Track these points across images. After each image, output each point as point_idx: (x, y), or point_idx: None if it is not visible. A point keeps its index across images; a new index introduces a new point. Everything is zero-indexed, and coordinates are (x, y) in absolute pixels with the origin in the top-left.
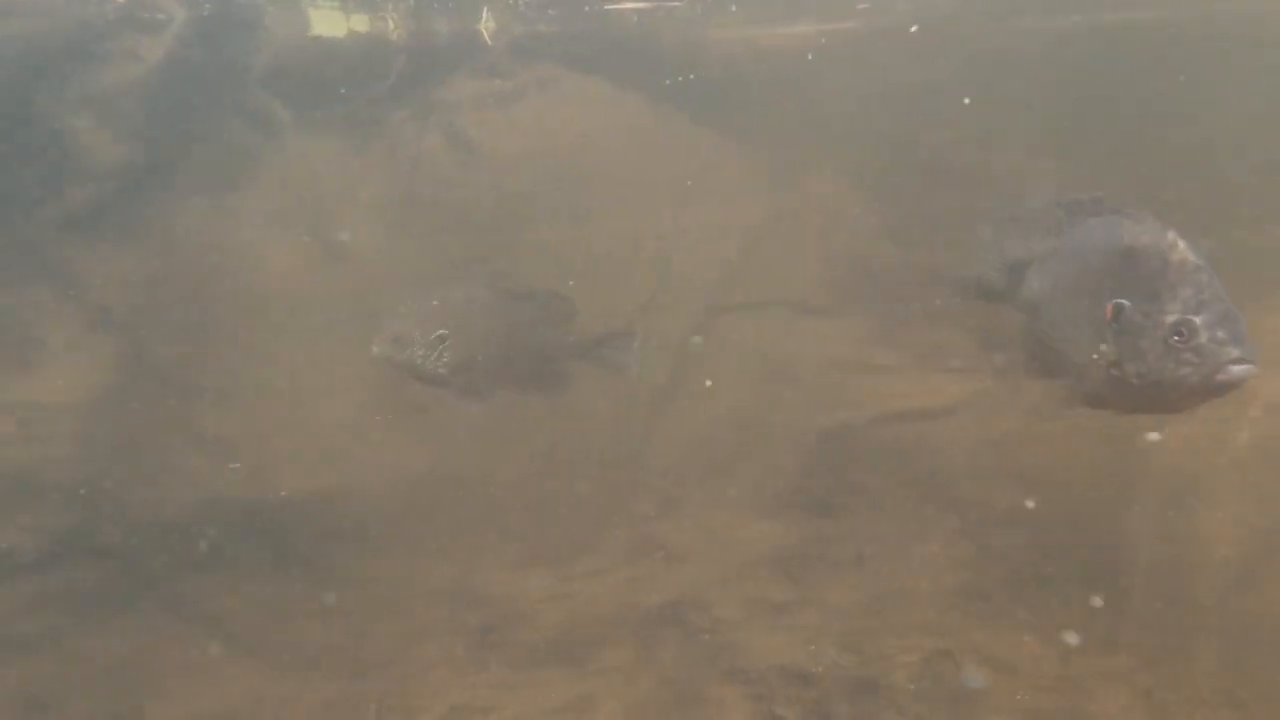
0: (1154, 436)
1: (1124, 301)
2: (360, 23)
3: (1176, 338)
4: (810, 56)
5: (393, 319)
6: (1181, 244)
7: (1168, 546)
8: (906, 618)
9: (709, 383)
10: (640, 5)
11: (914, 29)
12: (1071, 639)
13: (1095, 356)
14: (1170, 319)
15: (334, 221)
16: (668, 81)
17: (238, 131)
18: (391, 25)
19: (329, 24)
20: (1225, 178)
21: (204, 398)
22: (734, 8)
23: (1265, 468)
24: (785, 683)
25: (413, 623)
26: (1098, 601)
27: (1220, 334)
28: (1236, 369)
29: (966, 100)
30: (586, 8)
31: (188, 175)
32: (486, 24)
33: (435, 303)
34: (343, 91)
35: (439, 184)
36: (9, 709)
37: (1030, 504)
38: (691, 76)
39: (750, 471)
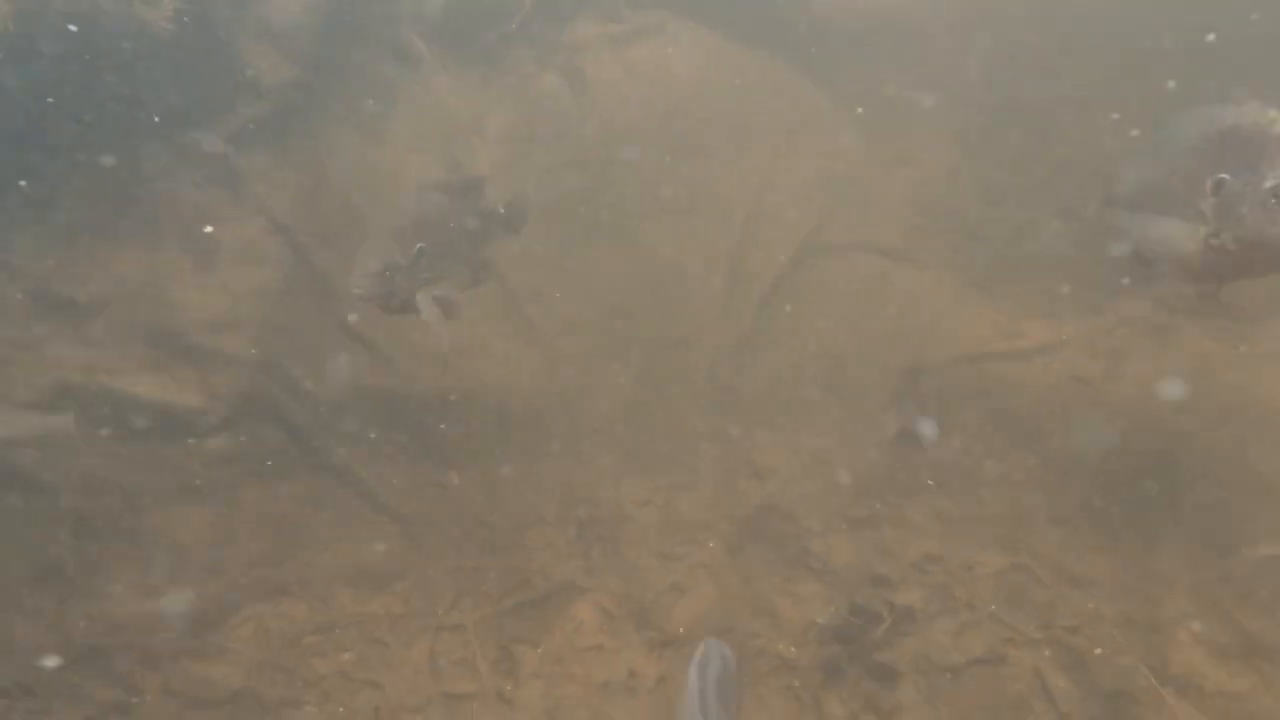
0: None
1: (1225, 175)
2: None
3: (1275, 200)
4: (922, 17)
5: (366, 255)
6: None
7: (1234, 479)
8: (983, 536)
9: (800, 317)
10: None
11: None
12: (1147, 557)
13: (1196, 230)
14: (1269, 184)
15: (462, 148)
16: (777, 33)
17: (385, 63)
18: None
19: None
20: None
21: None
22: None
23: None
24: (864, 582)
25: (525, 513)
26: (1163, 526)
27: None
28: None
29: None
30: None
31: (341, 100)
32: None
33: (402, 224)
34: (475, 31)
35: (557, 118)
36: (195, 544)
37: (1111, 439)
38: (801, 30)
39: (836, 402)
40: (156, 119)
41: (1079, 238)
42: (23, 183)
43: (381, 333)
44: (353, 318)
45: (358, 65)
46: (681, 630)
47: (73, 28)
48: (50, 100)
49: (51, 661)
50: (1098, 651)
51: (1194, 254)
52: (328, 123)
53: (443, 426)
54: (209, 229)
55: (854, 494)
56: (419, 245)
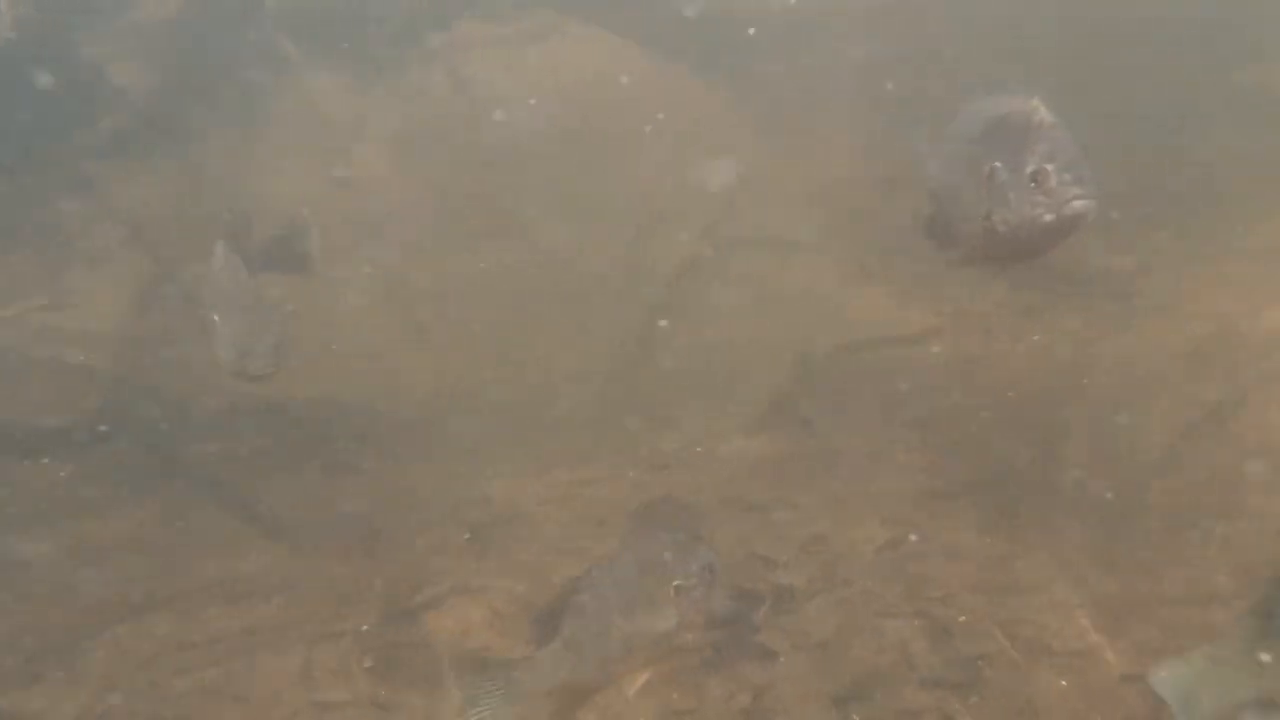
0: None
1: (997, 162)
2: None
3: (1034, 184)
4: (817, 16)
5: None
6: (1042, 109)
7: (1104, 445)
8: (867, 514)
9: (698, 311)
10: None
11: None
12: (1017, 528)
13: (977, 215)
14: (1029, 169)
15: (340, 154)
16: (674, 33)
17: (253, 67)
18: None
19: None
20: None
21: None
22: None
23: (1191, 371)
24: (752, 566)
25: (418, 517)
26: (1036, 495)
27: (1066, 177)
28: (1078, 203)
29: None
30: None
31: (208, 107)
32: None
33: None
34: (350, 32)
35: (441, 122)
36: (60, 561)
37: (989, 415)
38: (696, 32)
39: (738, 392)
40: (12, 132)
41: None
42: None
43: None
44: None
45: (224, 69)
46: None
47: None
48: None
49: None
50: (962, 619)
51: (978, 237)
52: (193, 130)
53: (328, 435)
54: (69, 241)
55: (749, 481)
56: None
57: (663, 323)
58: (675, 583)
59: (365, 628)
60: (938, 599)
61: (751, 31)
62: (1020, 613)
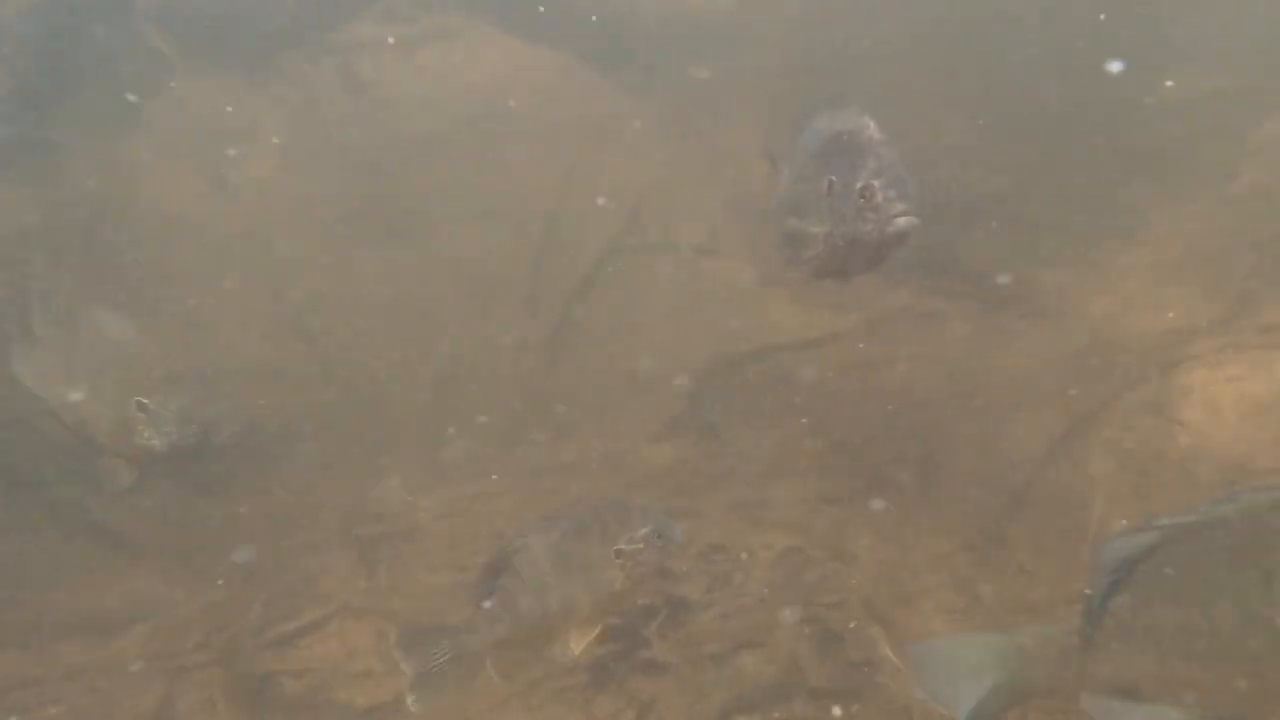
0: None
1: (833, 178)
2: None
3: (862, 200)
4: (737, 20)
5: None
6: (872, 126)
7: (988, 451)
8: (768, 521)
9: (606, 318)
10: None
11: None
12: (906, 533)
13: (818, 230)
14: (859, 184)
15: (224, 160)
16: (585, 36)
17: (125, 68)
18: None
19: None
20: None
21: None
22: None
23: (1067, 377)
24: (649, 578)
25: (305, 535)
26: (927, 500)
27: (892, 194)
28: (902, 220)
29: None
30: None
31: (76, 111)
32: None
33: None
34: (233, 30)
35: (335, 126)
36: None
37: (887, 421)
38: (610, 36)
39: (643, 400)
40: None
41: None
42: None
43: None
44: None
45: (94, 72)
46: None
47: None
48: None
49: None
50: (852, 625)
51: (822, 250)
52: (62, 136)
53: (203, 452)
54: None
55: (651, 489)
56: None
57: (567, 330)
58: (618, 546)
59: (235, 657)
60: (831, 605)
61: (667, 36)
62: (907, 618)
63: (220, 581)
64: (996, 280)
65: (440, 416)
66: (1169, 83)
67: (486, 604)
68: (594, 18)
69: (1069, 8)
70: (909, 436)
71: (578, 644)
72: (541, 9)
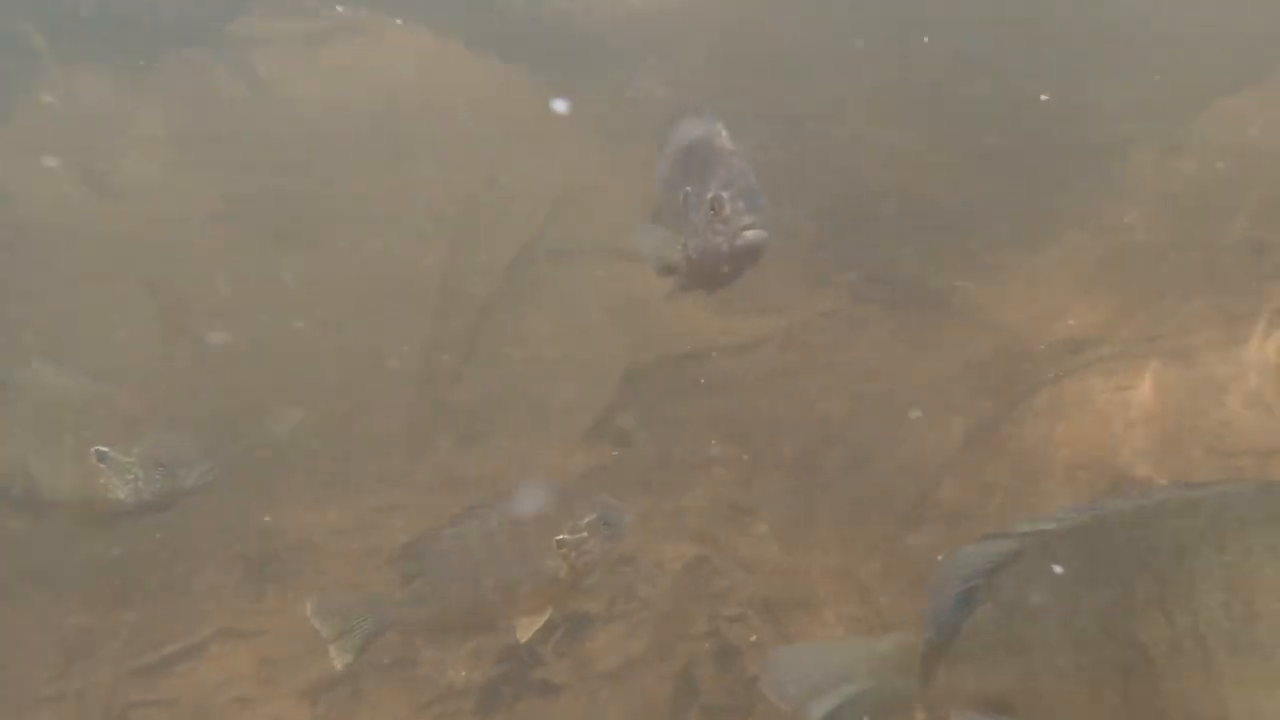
0: None
1: (688, 189)
2: None
3: (712, 212)
4: (671, 22)
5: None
6: (724, 134)
7: (897, 458)
8: (679, 531)
9: (520, 325)
10: None
11: None
12: (813, 541)
13: (679, 242)
14: (709, 195)
15: (104, 158)
16: (509, 35)
17: None
18: None
19: None
20: None
21: None
22: None
23: (977, 383)
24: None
25: (190, 556)
26: (835, 508)
27: (740, 205)
28: (750, 234)
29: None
30: None
31: None
32: None
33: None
34: (117, 23)
35: (229, 124)
36: None
37: (801, 428)
38: (536, 32)
39: (559, 408)
40: None
41: (803, 236)
42: None
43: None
44: None
45: None
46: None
47: None
48: None
49: None
50: (753, 639)
51: (681, 263)
52: None
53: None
54: None
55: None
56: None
57: (480, 337)
58: (560, 535)
59: (97, 686)
60: (733, 618)
61: (604, 37)
62: (809, 629)
63: (88, 606)
64: (915, 286)
65: (341, 428)
66: (1091, 95)
67: (414, 583)
68: (527, 17)
69: (1007, 15)
70: (822, 444)
71: (524, 633)
72: (466, 5)
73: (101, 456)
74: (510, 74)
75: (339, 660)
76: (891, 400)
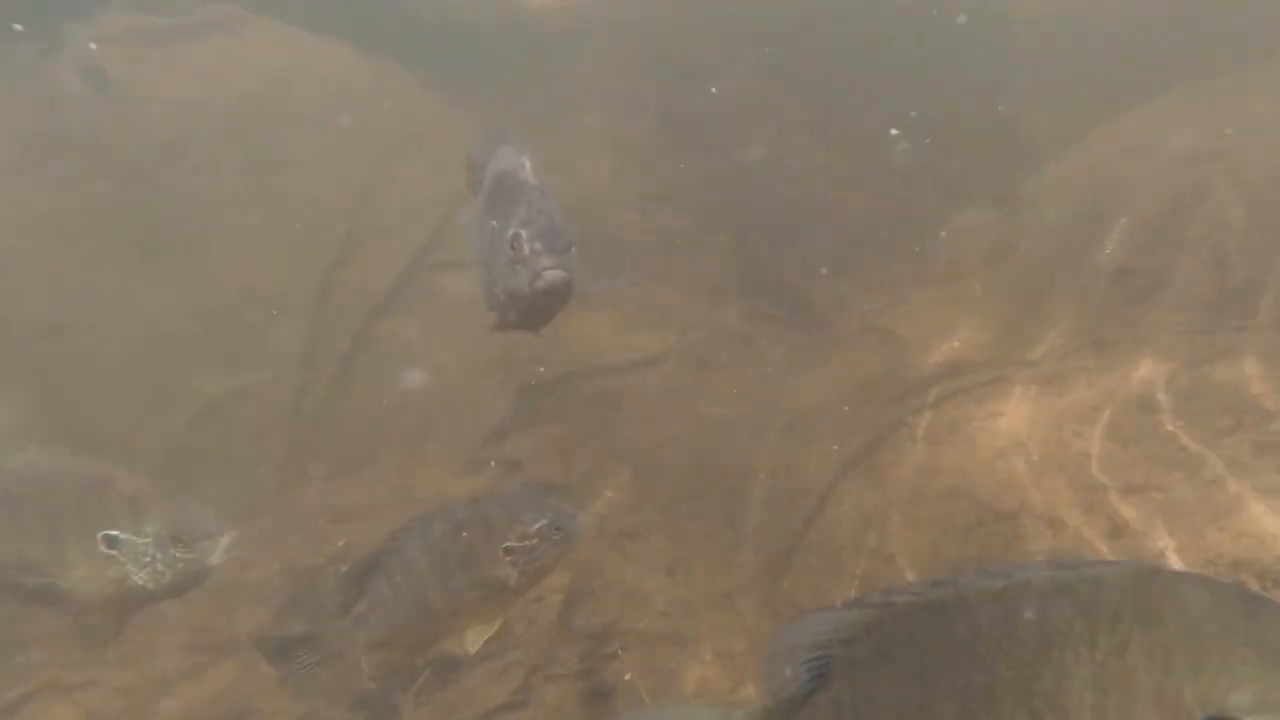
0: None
1: (494, 223)
2: None
3: (512, 251)
4: (575, 21)
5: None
6: (528, 166)
7: (781, 477)
8: (562, 562)
9: (404, 342)
10: None
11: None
12: (697, 570)
13: (488, 284)
14: (509, 234)
15: None
16: (397, 35)
17: None
18: None
19: None
20: None
21: None
22: None
23: (858, 406)
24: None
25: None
26: (720, 534)
27: (538, 245)
28: (548, 274)
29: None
30: None
31: None
32: None
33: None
34: None
35: (79, 126)
36: None
37: (693, 448)
38: (432, 33)
39: (448, 430)
40: None
41: (715, 248)
42: None
43: None
44: None
45: None
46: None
47: None
48: None
49: None
50: (627, 678)
51: (497, 301)
52: None
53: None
54: None
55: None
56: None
57: (360, 356)
58: (506, 544)
59: None
60: (609, 655)
61: (500, 38)
62: (684, 665)
63: None
64: (814, 304)
65: (199, 455)
66: (999, 110)
67: (358, 607)
68: (412, 16)
69: (910, 29)
70: (712, 468)
71: (474, 643)
72: (345, 3)
73: (111, 542)
74: (398, 75)
75: (294, 698)
76: (780, 422)
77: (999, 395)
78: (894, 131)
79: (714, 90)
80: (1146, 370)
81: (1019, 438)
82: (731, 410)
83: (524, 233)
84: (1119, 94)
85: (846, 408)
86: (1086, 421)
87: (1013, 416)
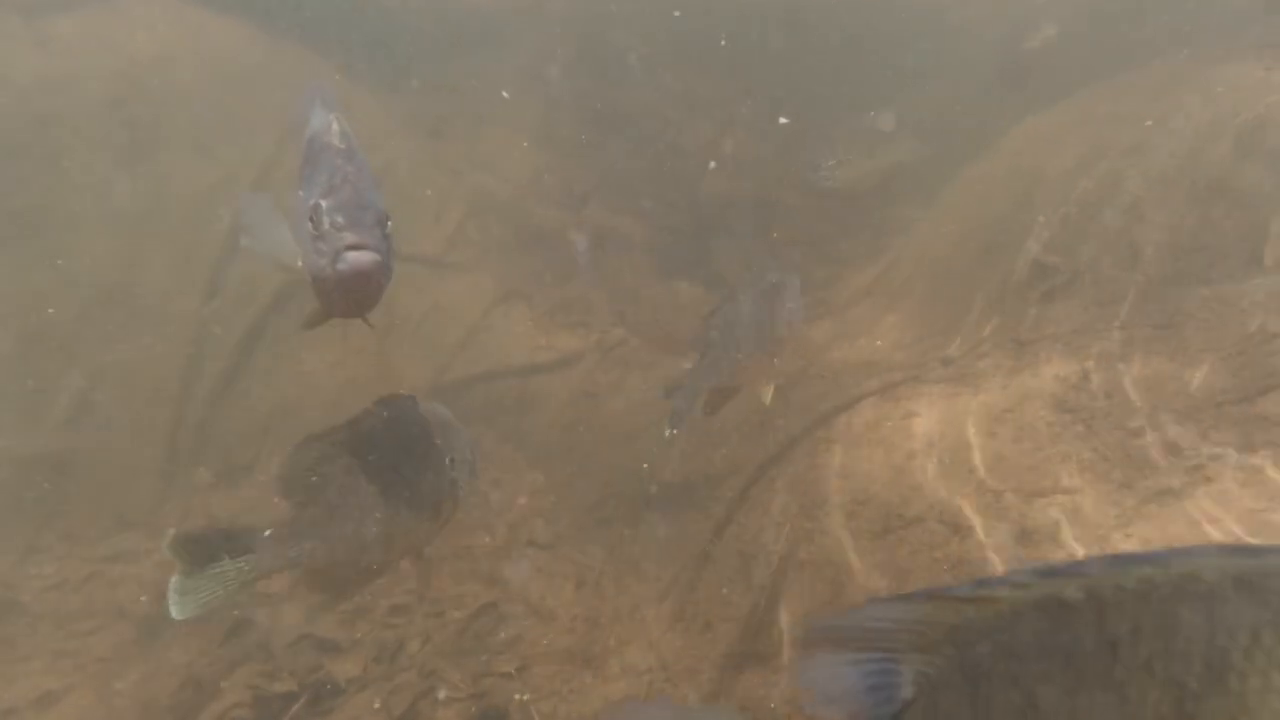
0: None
1: (300, 193)
2: None
3: (311, 226)
4: (511, 14)
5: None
6: (337, 126)
7: (694, 483)
8: (472, 572)
9: (306, 340)
10: None
11: None
12: (605, 582)
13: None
14: (310, 204)
15: None
16: (310, 22)
17: None
18: None
19: None
20: None
21: None
22: None
23: (776, 410)
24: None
25: None
26: (631, 544)
27: (340, 219)
28: (352, 255)
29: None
30: None
31: None
32: None
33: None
34: None
35: None
36: None
37: (608, 453)
38: (347, 20)
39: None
40: None
41: (644, 245)
42: None
43: None
44: None
45: None
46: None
47: None
48: None
49: None
50: (525, 698)
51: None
52: None
53: None
54: None
55: None
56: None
57: (253, 353)
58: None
59: None
60: (509, 674)
61: (432, 30)
62: (588, 684)
63: None
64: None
65: (66, 461)
66: (932, 113)
67: (266, 532)
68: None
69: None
70: (622, 473)
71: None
72: None
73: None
74: (299, 58)
75: (178, 611)
76: (695, 426)
77: (913, 395)
78: (783, 120)
79: (645, 83)
80: (1060, 369)
81: (931, 439)
82: (648, 413)
83: (324, 204)
84: (1038, 92)
85: (764, 409)
86: (999, 422)
87: (926, 417)
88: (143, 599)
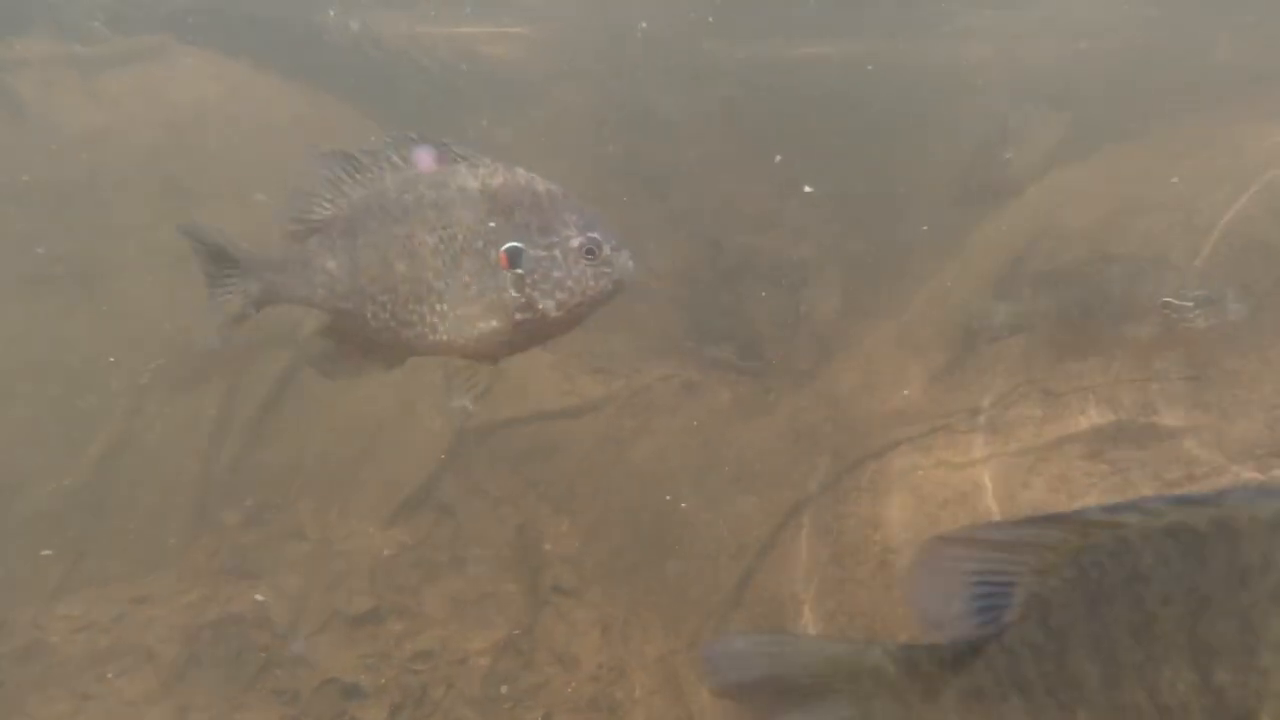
0: None
1: (518, 245)
2: None
3: (588, 256)
4: (529, 70)
5: None
6: (536, 178)
7: (720, 530)
8: (491, 618)
9: (322, 391)
10: None
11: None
12: (632, 630)
13: (502, 310)
14: (575, 243)
15: None
16: (341, 73)
17: None
18: None
19: None
20: None
21: None
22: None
23: (802, 455)
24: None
25: None
26: (657, 590)
27: (614, 242)
28: (632, 264)
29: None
30: None
31: None
32: None
33: None
34: None
35: None
36: None
37: (631, 499)
38: (381, 76)
39: (372, 479)
40: None
41: (667, 296)
42: None
43: None
44: None
45: None
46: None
47: None
48: None
49: None
50: None
51: (507, 333)
52: None
53: None
54: None
55: (365, 581)
56: None
57: (284, 394)
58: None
59: None
60: None
61: (452, 84)
62: None
63: None
64: (764, 353)
65: (98, 501)
66: (951, 157)
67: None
68: (360, 54)
69: (875, 89)
70: (651, 520)
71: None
72: (290, 38)
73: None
74: (338, 114)
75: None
76: (721, 473)
77: (945, 444)
78: (807, 189)
79: (673, 139)
80: (1094, 419)
81: (964, 489)
82: (674, 460)
83: (598, 236)
84: (1058, 145)
85: (790, 457)
86: (1032, 472)
87: (957, 466)
88: (163, 644)
